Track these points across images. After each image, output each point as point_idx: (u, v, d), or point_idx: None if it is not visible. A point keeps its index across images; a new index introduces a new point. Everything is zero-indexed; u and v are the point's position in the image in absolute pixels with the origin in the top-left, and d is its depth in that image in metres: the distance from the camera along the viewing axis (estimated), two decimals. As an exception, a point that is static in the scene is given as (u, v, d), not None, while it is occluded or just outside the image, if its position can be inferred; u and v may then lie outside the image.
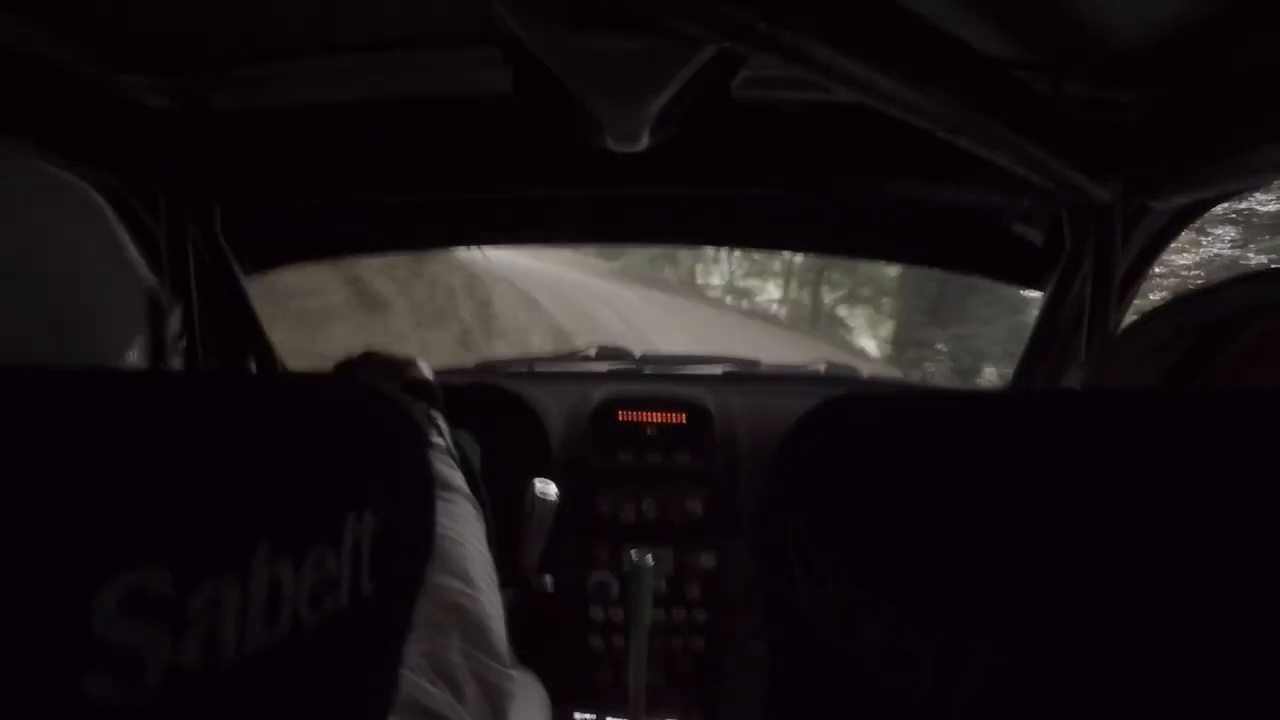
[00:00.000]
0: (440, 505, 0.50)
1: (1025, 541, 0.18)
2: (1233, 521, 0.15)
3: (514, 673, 0.66)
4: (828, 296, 13.35)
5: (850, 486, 0.24)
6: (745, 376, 1.24)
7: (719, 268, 14.54)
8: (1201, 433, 0.16)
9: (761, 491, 0.29)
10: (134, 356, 0.33)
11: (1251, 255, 5.18)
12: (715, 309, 13.12)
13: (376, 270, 4.01)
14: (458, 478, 0.57)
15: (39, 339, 0.29)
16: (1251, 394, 0.18)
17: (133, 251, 0.34)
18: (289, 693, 0.24)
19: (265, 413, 0.24)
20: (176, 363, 0.37)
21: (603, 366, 1.26)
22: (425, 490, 0.30)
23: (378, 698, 0.28)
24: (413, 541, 0.29)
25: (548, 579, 0.88)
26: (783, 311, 14.13)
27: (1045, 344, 0.89)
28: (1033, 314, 0.91)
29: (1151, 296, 0.94)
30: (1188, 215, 0.77)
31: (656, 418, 1.06)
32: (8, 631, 0.17)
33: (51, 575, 0.18)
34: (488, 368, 1.25)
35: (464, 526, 0.52)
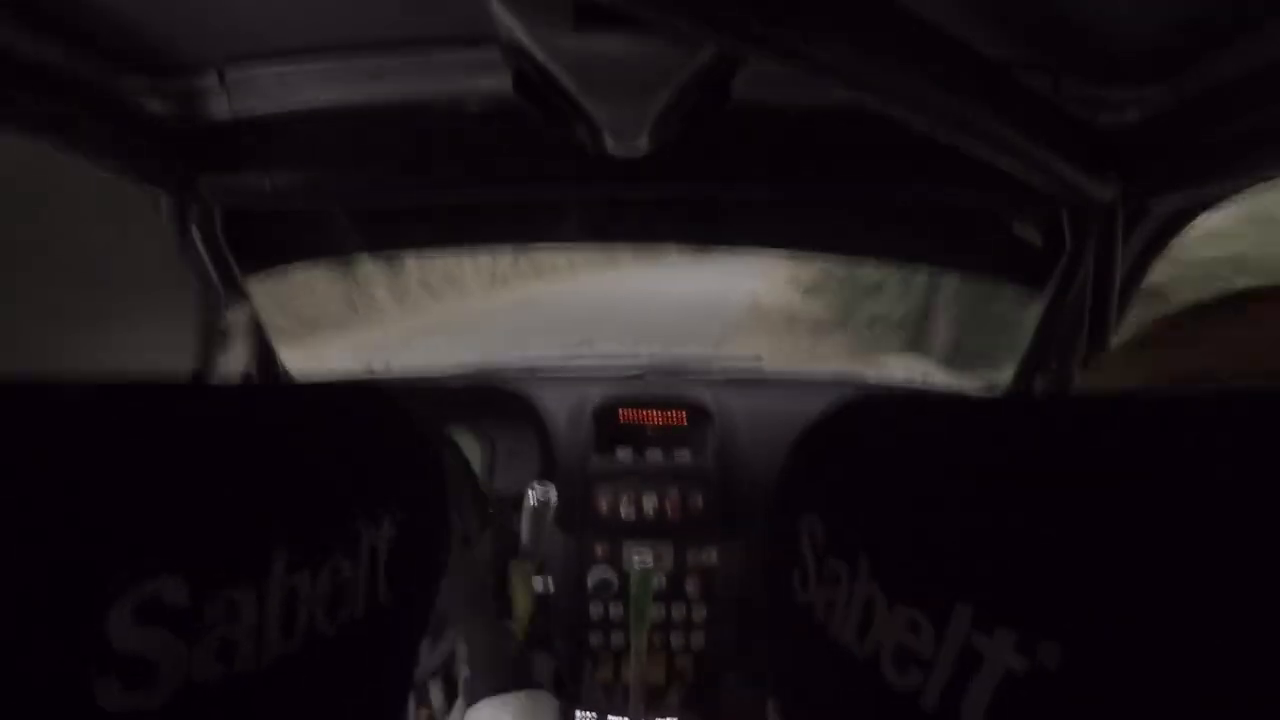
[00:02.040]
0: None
1: (1040, 543, 0.18)
2: (1243, 522, 0.15)
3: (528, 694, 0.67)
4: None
5: (867, 486, 0.24)
6: (745, 378, 1.24)
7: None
8: (1212, 433, 0.16)
9: (773, 489, 0.29)
10: (185, 355, 0.33)
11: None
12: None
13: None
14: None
15: (105, 341, 0.29)
16: (1256, 393, 0.18)
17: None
18: (305, 702, 0.24)
19: (281, 422, 0.24)
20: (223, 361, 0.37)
21: (603, 367, 1.26)
22: (440, 498, 0.30)
23: (393, 706, 0.28)
24: (428, 549, 0.29)
25: (548, 579, 0.88)
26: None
27: (1045, 344, 0.89)
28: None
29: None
30: (1188, 215, 0.77)
31: (657, 417, 1.06)
32: (22, 638, 0.17)
33: (67, 583, 0.18)
34: (489, 368, 1.25)
35: None
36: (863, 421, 0.26)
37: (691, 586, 1.02)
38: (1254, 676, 0.14)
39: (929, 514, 0.21)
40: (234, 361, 0.98)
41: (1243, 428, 0.16)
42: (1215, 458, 0.16)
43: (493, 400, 1.05)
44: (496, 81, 0.60)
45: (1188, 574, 0.15)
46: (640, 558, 0.85)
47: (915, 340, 5.74)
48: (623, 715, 0.99)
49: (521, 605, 0.73)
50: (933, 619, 0.19)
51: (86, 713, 0.18)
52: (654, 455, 1.04)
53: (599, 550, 1.02)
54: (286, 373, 1.06)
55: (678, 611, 1.02)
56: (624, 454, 1.04)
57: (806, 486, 0.27)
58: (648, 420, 1.06)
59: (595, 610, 1.03)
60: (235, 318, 0.96)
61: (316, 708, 0.24)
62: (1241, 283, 0.27)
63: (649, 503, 1.01)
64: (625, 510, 1.01)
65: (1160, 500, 0.16)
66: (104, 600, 0.18)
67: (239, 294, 0.97)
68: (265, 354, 1.03)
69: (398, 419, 0.29)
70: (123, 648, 0.18)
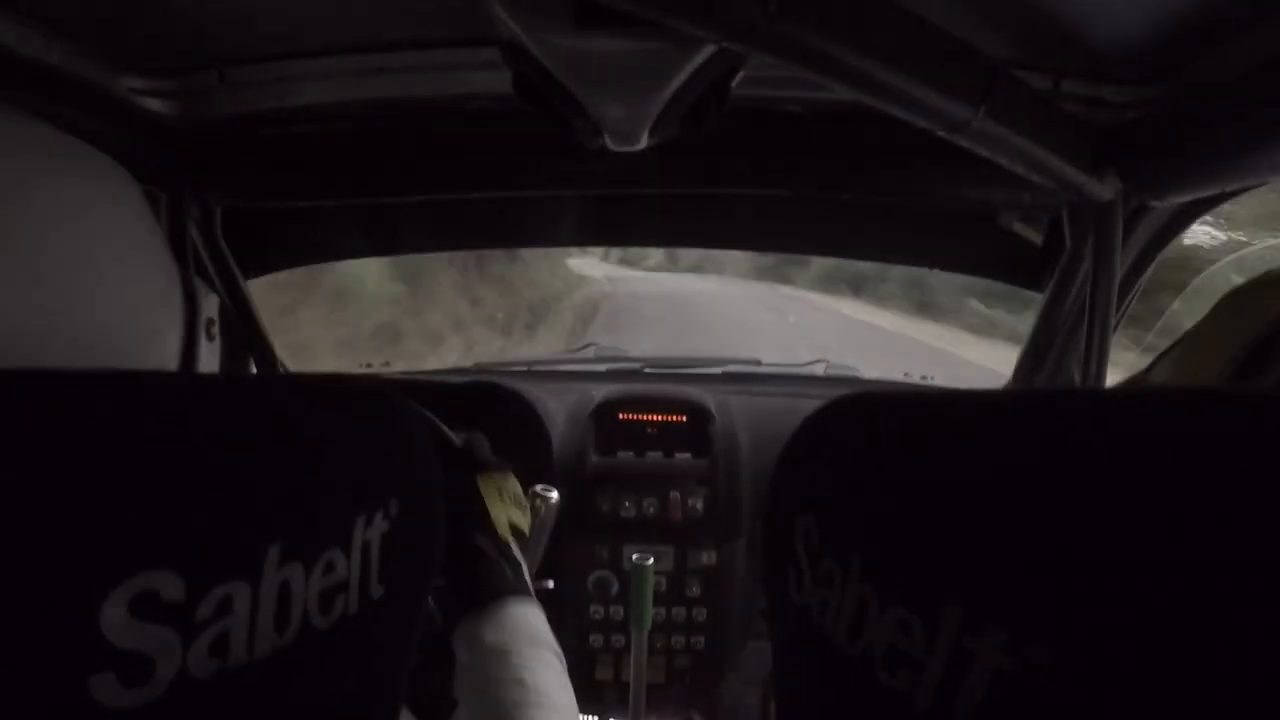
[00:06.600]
0: (527, 656, 0.51)
1: (1032, 543, 0.18)
2: (1239, 521, 0.15)
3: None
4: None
5: (858, 486, 0.24)
6: (745, 377, 1.24)
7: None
8: (1205, 432, 0.16)
9: (768, 489, 0.29)
10: (171, 340, 0.34)
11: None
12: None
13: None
14: (545, 629, 0.56)
15: (73, 325, 0.29)
16: (1255, 395, 0.18)
17: (162, 238, 0.35)
18: (298, 696, 0.24)
19: (275, 417, 0.24)
20: (209, 350, 0.37)
21: (603, 367, 1.26)
22: (432, 493, 0.30)
23: (386, 700, 0.28)
24: (420, 544, 0.29)
25: (548, 581, 0.88)
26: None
27: (1045, 344, 0.89)
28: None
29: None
30: (1188, 215, 0.77)
31: (657, 417, 1.06)
32: (17, 633, 0.17)
33: (62, 579, 0.18)
34: (487, 367, 1.25)
35: (551, 684, 0.51)
36: (854, 422, 0.26)
37: (692, 587, 1.02)
38: (1246, 677, 0.14)
39: (919, 514, 0.21)
40: (229, 359, 0.99)
41: (1236, 429, 0.16)
42: (1209, 458, 0.16)
43: (492, 400, 1.05)
44: (496, 81, 0.60)
45: (1178, 574, 0.15)
46: (640, 559, 0.85)
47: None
48: (622, 716, 0.99)
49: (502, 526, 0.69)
50: (924, 620, 0.19)
51: (81, 708, 0.17)
52: (654, 456, 1.04)
53: (599, 551, 1.02)
54: (283, 368, 1.06)
55: (678, 612, 1.02)
56: (624, 455, 1.04)
57: (800, 487, 0.27)
58: (648, 420, 1.06)
59: (595, 611, 1.02)
60: (225, 315, 0.96)
61: (310, 700, 0.24)
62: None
63: (649, 503, 1.01)
64: (625, 511, 1.01)
65: (1152, 501, 0.16)
66: (98, 595, 0.18)
67: (239, 293, 0.97)
68: (262, 351, 1.03)
69: (390, 414, 0.29)
70: (118, 643, 0.18)
